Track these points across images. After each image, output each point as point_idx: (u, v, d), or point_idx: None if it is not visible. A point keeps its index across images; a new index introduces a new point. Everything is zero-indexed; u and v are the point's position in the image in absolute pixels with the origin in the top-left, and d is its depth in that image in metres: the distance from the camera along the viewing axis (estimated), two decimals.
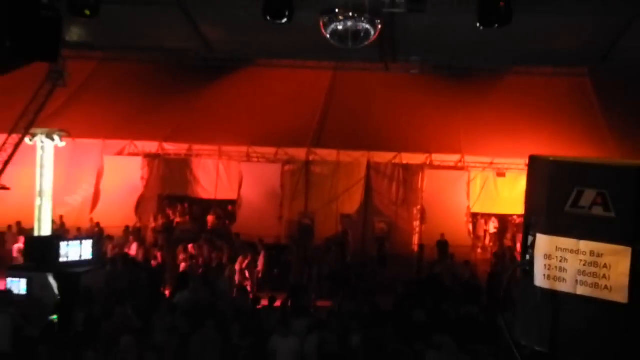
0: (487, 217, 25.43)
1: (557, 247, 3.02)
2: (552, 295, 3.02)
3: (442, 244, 22.38)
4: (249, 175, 24.69)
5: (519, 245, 23.50)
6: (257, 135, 23.93)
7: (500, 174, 23.81)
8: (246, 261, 19.00)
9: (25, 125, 17.39)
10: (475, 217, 25.09)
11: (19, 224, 20.74)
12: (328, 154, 23.77)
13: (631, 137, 21.61)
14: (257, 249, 20.37)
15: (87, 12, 15.66)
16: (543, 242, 3.06)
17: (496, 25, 15.32)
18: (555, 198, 3.04)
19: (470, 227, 24.72)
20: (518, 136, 22.03)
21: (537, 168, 3.21)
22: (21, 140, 17.32)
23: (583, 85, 24.31)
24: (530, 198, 3.24)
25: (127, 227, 22.67)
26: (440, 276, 18.78)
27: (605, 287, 2.89)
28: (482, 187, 24.32)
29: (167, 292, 16.84)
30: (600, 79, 23.83)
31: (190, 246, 20.53)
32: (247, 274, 18.82)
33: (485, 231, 25.45)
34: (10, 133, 17.14)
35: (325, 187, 24.36)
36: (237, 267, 19.03)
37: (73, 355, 11.93)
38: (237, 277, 18.57)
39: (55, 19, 15.98)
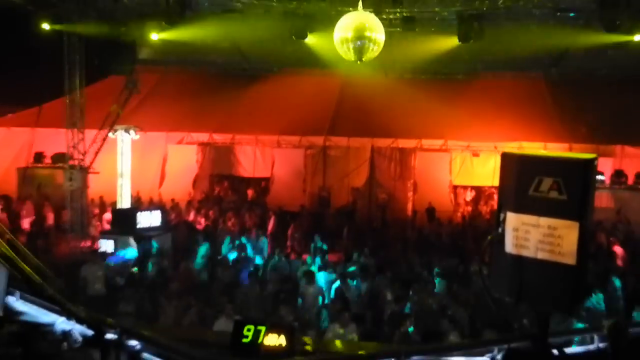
0: (465, 188, 25.34)
1: (522, 222, 3.12)
2: (518, 259, 3.13)
3: (430, 210, 22.47)
4: (279, 158, 24.74)
5: (487, 209, 23.64)
6: (285, 126, 23.82)
7: (475, 154, 23.70)
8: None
9: (109, 123, 17.53)
10: (455, 188, 24.96)
11: (101, 197, 20.95)
12: (340, 141, 23.66)
13: (576, 125, 21.45)
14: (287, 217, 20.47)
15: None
16: (512, 219, 3.15)
17: (472, 40, 15.36)
18: (521, 184, 3.13)
19: (452, 196, 24.71)
20: (488, 124, 21.85)
21: (507, 162, 3.30)
22: (107, 134, 17.46)
23: (539, 85, 24.06)
24: (502, 184, 3.35)
25: (177, 204, 22.93)
26: (428, 235, 18.89)
27: (559, 252, 3.01)
28: (461, 164, 24.16)
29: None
30: (551, 80, 23.65)
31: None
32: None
33: (464, 199, 25.38)
34: (99, 129, 17.29)
35: (339, 166, 24.36)
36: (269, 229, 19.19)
37: (150, 297, 12.11)
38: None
39: (130, 43, 16.17)
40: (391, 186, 24.47)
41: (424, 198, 23.37)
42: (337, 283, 12.58)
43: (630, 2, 13.94)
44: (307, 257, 15.70)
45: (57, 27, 15.87)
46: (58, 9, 15.49)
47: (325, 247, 16.88)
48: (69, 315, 4.08)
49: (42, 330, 4.20)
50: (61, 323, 4.15)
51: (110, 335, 4.00)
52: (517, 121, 21.79)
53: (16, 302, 4.41)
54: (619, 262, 15.98)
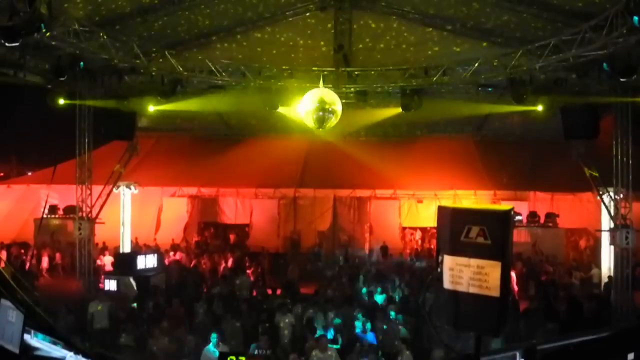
0: (412, 229, 25.43)
1: (456, 263, 3.17)
2: (454, 293, 3.17)
3: (384, 248, 22.48)
4: (257, 207, 24.58)
5: (430, 245, 23.72)
6: (261, 181, 23.80)
7: (420, 201, 23.83)
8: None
9: (113, 180, 17.38)
10: (404, 229, 25.12)
11: (103, 243, 20.49)
12: (308, 192, 23.71)
13: (498, 176, 21.93)
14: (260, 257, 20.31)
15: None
16: (448, 260, 3.20)
17: (412, 109, 15.72)
18: (454, 232, 3.18)
19: (402, 236, 24.83)
20: (429, 176, 22.11)
21: (443, 213, 3.36)
22: (111, 190, 17.28)
23: (468, 144, 24.47)
24: (440, 232, 3.40)
25: (177, 244, 22.62)
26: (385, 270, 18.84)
27: (486, 287, 3.06)
28: (408, 209, 24.21)
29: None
30: (478, 140, 24.19)
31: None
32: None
33: (413, 238, 25.40)
34: (104, 185, 17.11)
35: (307, 213, 24.27)
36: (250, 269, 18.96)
37: (147, 328, 11.83)
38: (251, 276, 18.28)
39: (131, 114, 16.20)
40: (351, 229, 24.43)
41: (378, 238, 23.40)
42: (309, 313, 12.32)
43: (533, 81, 14.55)
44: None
45: (71, 101, 15.83)
46: (72, 87, 15.47)
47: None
48: (77, 351, 3.98)
49: None
50: (70, 357, 4.05)
51: None
52: (452, 173, 22.16)
53: (31, 340, 4.31)
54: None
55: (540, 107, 15.61)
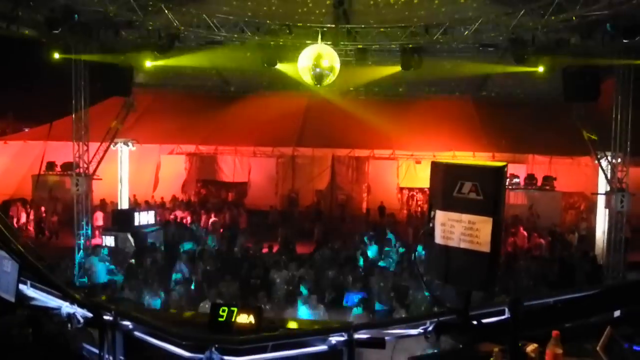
0: (410, 190, 25.54)
1: (448, 218, 3.19)
2: (445, 248, 3.20)
3: (381, 208, 22.62)
4: (255, 165, 24.77)
5: (427, 206, 23.74)
6: (260, 139, 23.81)
7: (418, 162, 23.84)
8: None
9: (110, 137, 17.31)
10: (402, 190, 25.24)
11: (102, 200, 20.67)
12: (306, 151, 23.78)
13: (497, 138, 21.83)
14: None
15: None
16: (440, 215, 3.22)
17: (412, 68, 15.54)
18: (447, 187, 3.19)
19: (399, 196, 24.97)
20: (428, 137, 22.06)
21: (436, 169, 3.35)
22: (108, 146, 17.23)
23: (467, 105, 24.29)
24: (432, 187, 3.39)
25: (179, 200, 22.74)
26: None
27: (477, 242, 3.09)
28: (406, 170, 24.42)
29: None
30: (477, 101, 23.97)
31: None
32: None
33: (414, 199, 25.53)
34: (101, 142, 17.05)
35: (305, 172, 24.43)
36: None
37: (145, 284, 11.95)
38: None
39: (128, 70, 16.01)
40: (349, 188, 24.62)
41: (376, 198, 23.55)
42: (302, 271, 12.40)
43: (535, 42, 14.31)
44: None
45: (66, 56, 15.62)
46: (67, 41, 15.23)
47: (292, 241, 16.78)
48: (72, 300, 4.04)
49: (50, 313, 4.16)
50: (66, 307, 4.12)
51: (107, 317, 3.97)
52: (451, 134, 22.07)
53: (27, 290, 4.37)
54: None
55: (541, 68, 15.41)
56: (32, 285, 4.40)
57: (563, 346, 2.98)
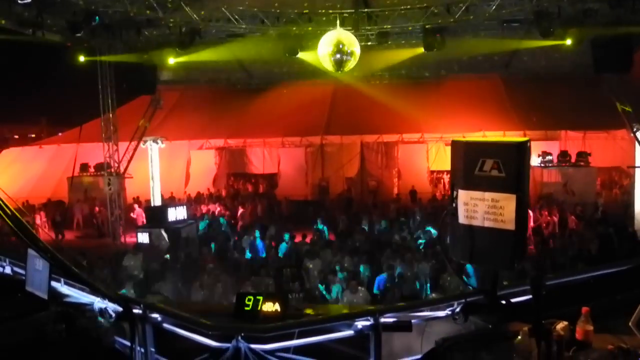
0: (440, 172, 25.31)
1: (471, 197, 3.12)
2: (469, 228, 3.13)
3: (413, 193, 22.49)
4: (284, 156, 24.82)
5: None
6: (287, 129, 23.84)
7: (448, 144, 23.35)
8: None
9: (139, 135, 17.56)
10: (432, 173, 25.02)
11: (136, 197, 21.03)
12: (334, 139, 23.70)
13: (527, 116, 21.36)
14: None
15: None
16: (462, 195, 3.15)
17: (435, 49, 15.30)
18: (468, 166, 3.12)
19: (430, 180, 24.75)
20: (456, 118, 21.67)
21: (456, 147, 3.29)
22: (137, 145, 17.49)
23: (495, 83, 23.82)
24: (454, 167, 3.32)
25: (213, 194, 22.90)
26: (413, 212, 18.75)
27: (502, 220, 3.01)
28: (436, 153, 24.19)
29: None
30: (505, 79, 23.45)
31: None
32: None
33: (443, 182, 25.31)
34: (130, 141, 17.32)
35: (334, 160, 24.40)
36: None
37: (182, 279, 12.08)
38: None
39: (152, 68, 16.21)
40: (379, 174, 24.55)
41: (407, 183, 23.43)
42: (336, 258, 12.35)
43: (561, 14, 13.93)
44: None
45: (91, 58, 15.89)
46: (91, 43, 15.49)
47: (325, 228, 16.77)
48: (103, 296, 4.13)
49: (83, 309, 4.25)
50: (98, 303, 4.21)
51: (136, 311, 4.05)
52: (480, 114, 21.68)
53: (61, 287, 4.49)
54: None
55: (569, 41, 14.99)
56: (65, 283, 4.51)
57: (594, 323, 2.91)
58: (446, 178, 25.18)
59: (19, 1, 8.85)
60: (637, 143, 16.39)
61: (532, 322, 2.82)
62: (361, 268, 12.03)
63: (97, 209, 21.44)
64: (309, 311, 4.20)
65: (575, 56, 17.04)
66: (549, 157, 20.49)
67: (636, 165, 16.95)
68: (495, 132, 21.26)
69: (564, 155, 20.95)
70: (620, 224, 16.21)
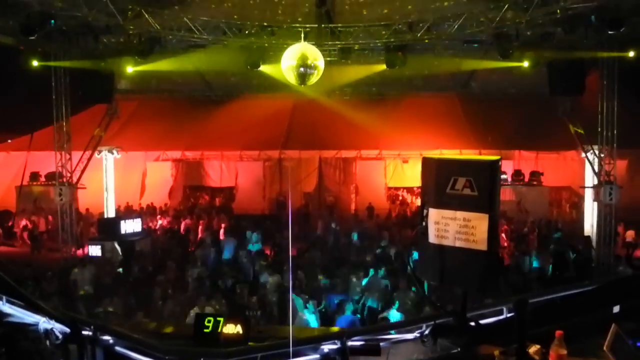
0: (397, 189, 25.50)
1: (442, 216, 3.05)
2: (440, 248, 3.05)
3: (370, 209, 22.54)
4: (242, 170, 24.54)
5: (416, 205, 23.77)
6: (246, 143, 23.53)
7: (405, 161, 23.88)
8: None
9: (94, 145, 17.04)
10: (390, 189, 25.16)
11: (87, 210, 20.35)
12: (293, 153, 23.51)
13: (483, 135, 21.71)
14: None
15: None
16: (433, 213, 3.07)
17: (397, 67, 15.39)
18: (440, 184, 3.05)
19: (387, 196, 24.87)
20: (414, 136, 21.88)
21: (427, 164, 3.23)
22: (92, 155, 16.97)
23: (453, 102, 24.10)
24: (424, 184, 3.27)
25: (160, 208, 22.43)
26: (368, 229, 18.78)
27: (473, 240, 2.95)
28: (394, 170, 24.43)
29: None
30: (463, 98, 23.78)
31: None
32: None
33: (400, 198, 25.49)
34: (84, 150, 16.77)
35: (293, 175, 24.18)
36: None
37: (134, 293, 11.70)
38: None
39: (109, 76, 15.76)
40: (337, 190, 24.52)
41: (364, 199, 23.45)
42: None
43: (519, 36, 14.26)
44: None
45: (45, 63, 15.34)
46: (46, 48, 14.94)
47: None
48: (49, 316, 3.83)
49: (27, 330, 3.94)
50: (43, 323, 3.91)
51: (85, 332, 3.76)
52: (437, 132, 21.96)
53: (2, 306, 4.16)
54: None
55: (526, 63, 15.35)
56: (7, 301, 4.18)
57: (567, 346, 2.84)
58: (404, 195, 25.40)
59: None
60: (587, 163, 16.85)
61: (513, 345, 2.75)
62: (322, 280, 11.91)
63: (49, 219, 20.68)
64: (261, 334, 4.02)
65: (532, 78, 17.48)
66: (503, 176, 20.92)
67: (586, 185, 17.43)
68: (452, 150, 21.58)
69: (517, 174, 21.46)
70: (572, 243, 16.63)
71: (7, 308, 4.16)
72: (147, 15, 13.51)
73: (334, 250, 16.11)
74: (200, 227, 19.38)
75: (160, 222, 20.93)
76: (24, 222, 20.85)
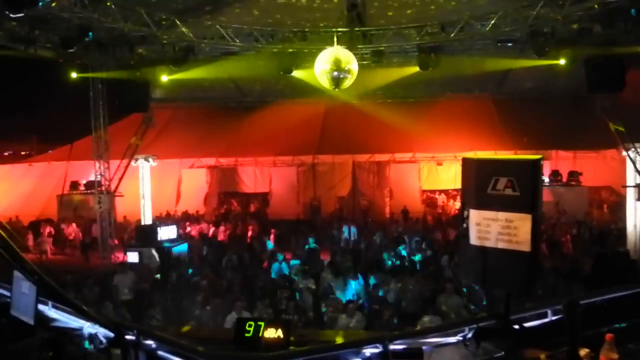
0: (432, 192, 25.28)
1: (483, 217, 3.03)
2: (482, 249, 3.03)
3: (405, 212, 22.37)
4: (276, 175, 24.64)
5: (452, 207, 23.52)
6: (279, 148, 23.68)
7: (439, 163, 23.72)
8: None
9: (130, 153, 17.37)
10: (424, 192, 24.95)
11: (125, 217, 20.74)
12: (326, 158, 23.56)
13: (519, 135, 21.36)
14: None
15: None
16: (474, 215, 3.06)
17: (430, 68, 15.26)
18: (480, 184, 3.03)
19: (422, 199, 24.66)
20: (448, 138, 21.63)
21: (467, 166, 3.23)
22: (128, 163, 17.29)
23: (487, 103, 23.88)
24: (464, 185, 3.25)
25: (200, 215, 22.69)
26: (402, 233, 18.60)
27: (516, 241, 2.92)
28: (428, 172, 24.25)
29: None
30: (497, 99, 23.50)
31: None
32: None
33: (435, 201, 25.25)
34: (122, 159, 17.11)
35: (326, 179, 24.33)
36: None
37: (172, 299, 11.83)
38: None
39: (145, 85, 16.05)
40: (371, 194, 24.44)
41: (399, 202, 23.29)
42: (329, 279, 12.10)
43: (555, 33, 13.94)
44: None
45: (83, 75, 15.74)
46: (83, 60, 15.32)
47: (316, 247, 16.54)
48: (94, 321, 3.90)
49: (72, 334, 4.02)
50: (88, 327, 3.98)
51: (129, 337, 3.81)
52: (471, 134, 21.67)
53: (49, 311, 4.25)
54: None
55: (562, 61, 14.97)
56: (53, 306, 4.28)
57: (617, 350, 2.77)
58: (439, 198, 25.15)
59: (11, 15, 8.68)
60: (628, 162, 16.39)
61: (567, 349, 2.69)
62: (352, 284, 11.83)
63: (92, 227, 21.16)
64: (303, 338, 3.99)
65: (569, 76, 17.09)
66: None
67: (627, 184, 16.95)
68: (487, 152, 21.23)
69: (555, 174, 21.01)
70: (612, 243, 16.18)
71: (53, 313, 4.25)
72: (180, 25, 13.73)
73: (368, 253, 15.98)
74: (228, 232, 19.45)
75: (199, 227, 21.10)
76: (68, 230, 21.35)
